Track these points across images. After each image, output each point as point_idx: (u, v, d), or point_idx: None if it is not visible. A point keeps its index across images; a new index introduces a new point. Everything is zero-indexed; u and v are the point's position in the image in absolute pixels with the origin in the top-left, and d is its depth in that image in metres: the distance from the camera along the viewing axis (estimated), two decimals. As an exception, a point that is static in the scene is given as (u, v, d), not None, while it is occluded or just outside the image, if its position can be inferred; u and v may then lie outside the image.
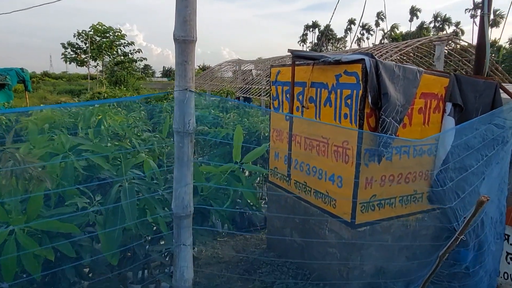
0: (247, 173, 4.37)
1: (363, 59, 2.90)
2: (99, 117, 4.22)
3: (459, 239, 2.02)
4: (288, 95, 3.89)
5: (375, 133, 2.94)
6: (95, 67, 28.61)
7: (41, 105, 23.02)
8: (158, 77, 73.32)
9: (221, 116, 6.62)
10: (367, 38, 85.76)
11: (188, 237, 1.83)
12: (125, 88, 17.97)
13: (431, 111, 3.39)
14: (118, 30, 29.30)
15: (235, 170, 2.90)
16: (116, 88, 24.05)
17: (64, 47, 29.62)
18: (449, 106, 3.41)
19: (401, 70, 3.06)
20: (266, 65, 15.43)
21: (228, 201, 2.77)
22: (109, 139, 3.42)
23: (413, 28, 76.25)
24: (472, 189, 2.81)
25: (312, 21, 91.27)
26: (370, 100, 2.91)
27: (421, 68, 3.23)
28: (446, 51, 8.39)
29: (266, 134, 5.31)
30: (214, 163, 3.11)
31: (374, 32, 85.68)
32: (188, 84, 1.66)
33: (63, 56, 30.07)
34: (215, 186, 2.78)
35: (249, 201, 2.85)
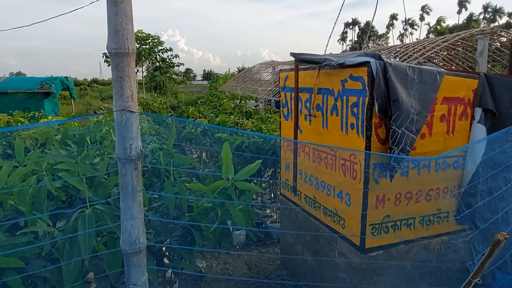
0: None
1: (369, 62, 2.54)
2: (107, 128, 4.17)
3: (473, 283, 1.63)
4: (298, 102, 3.58)
5: (381, 154, 2.56)
6: (136, 73, 29.63)
7: (87, 110, 24.22)
8: (199, 80, 75.07)
9: (240, 122, 6.41)
10: (411, 34, 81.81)
11: (140, 276, 1.61)
12: (161, 94, 18.40)
13: (456, 118, 2.93)
14: (156, 37, 30.15)
15: (227, 188, 2.65)
16: (154, 93, 24.75)
17: (106, 56, 30.98)
18: (478, 112, 2.93)
19: (416, 72, 2.65)
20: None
21: (216, 222, 2.52)
22: (105, 152, 3.32)
23: (461, 21, 71.64)
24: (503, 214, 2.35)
25: (352, 19, 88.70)
26: (377, 108, 2.54)
27: (442, 69, 2.79)
28: (495, 46, 7.57)
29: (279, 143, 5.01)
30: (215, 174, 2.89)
31: (418, 26, 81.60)
32: (126, 103, 1.44)
33: (107, 63, 31.46)
34: (210, 198, 2.55)
35: (237, 223, 2.59)
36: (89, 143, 3.69)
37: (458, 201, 3.03)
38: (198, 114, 9.45)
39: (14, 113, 6.85)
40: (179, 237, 2.54)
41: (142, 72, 30.51)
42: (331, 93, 3.04)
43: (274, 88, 14.11)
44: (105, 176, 2.68)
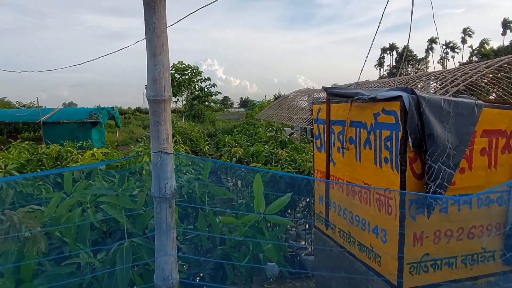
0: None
1: (401, 96, 2.53)
2: (146, 158, 4.38)
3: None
4: (331, 135, 3.59)
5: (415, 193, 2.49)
6: (176, 102, 30.95)
7: (130, 138, 25.38)
8: (236, 107, 76.86)
9: (274, 152, 6.46)
10: (452, 57, 79.41)
11: (172, 312, 1.66)
12: (199, 122, 19.02)
13: (499, 151, 2.80)
14: (195, 67, 31.53)
15: (258, 221, 2.68)
16: (192, 121, 25.59)
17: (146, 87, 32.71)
18: (523, 145, 2.78)
19: (452, 105, 2.59)
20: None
21: (247, 257, 2.54)
22: (145, 184, 3.48)
23: (507, 42, 68.65)
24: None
25: (389, 43, 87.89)
26: (411, 143, 2.50)
27: (480, 101, 2.71)
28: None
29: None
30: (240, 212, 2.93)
31: (460, 49, 79.18)
32: (162, 145, 1.54)
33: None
34: (235, 237, 2.58)
35: (269, 257, 2.58)
36: (127, 175, 3.89)
37: (505, 240, 2.84)
38: (234, 143, 9.64)
39: (65, 144, 7.35)
40: (212, 270, 2.58)
41: (182, 101, 31.79)
42: (364, 126, 3.03)
43: (310, 116, 14.15)
44: (144, 208, 2.80)
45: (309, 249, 5.35)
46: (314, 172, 4.08)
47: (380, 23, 3.36)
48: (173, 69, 31.30)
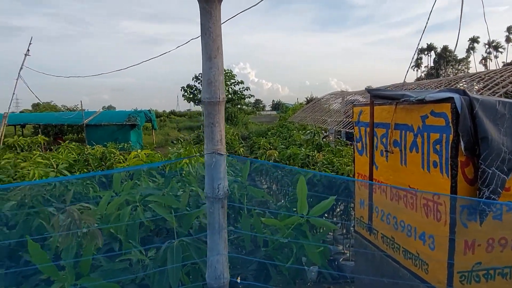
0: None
1: (452, 98, 2.43)
2: (186, 160, 4.49)
3: None
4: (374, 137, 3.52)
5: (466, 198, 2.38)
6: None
7: (166, 140, 26.07)
8: (267, 110, 77.04)
9: (311, 155, 6.41)
10: (496, 57, 75.30)
11: (223, 310, 1.69)
12: (232, 125, 19.22)
13: (560, 156, 2.62)
14: (229, 71, 31.98)
15: (302, 224, 2.67)
16: (226, 124, 25.90)
17: (184, 89, 33.59)
18: None
19: (508, 107, 2.46)
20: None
21: (291, 259, 2.53)
22: (187, 184, 3.57)
23: (559, 40, 64.23)
24: None
25: (427, 44, 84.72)
26: (463, 146, 2.39)
27: (539, 103, 2.55)
28: None
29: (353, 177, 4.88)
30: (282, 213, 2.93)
31: (504, 49, 74.94)
32: (216, 146, 1.58)
33: (184, 97, 34.04)
34: (278, 238, 2.58)
35: (313, 260, 2.56)
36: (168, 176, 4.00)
37: None
38: (269, 146, 9.66)
39: (108, 145, 7.69)
40: (255, 271, 2.59)
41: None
42: (410, 129, 2.94)
43: (345, 119, 13.91)
44: (188, 208, 2.87)
45: (347, 254, 5.25)
46: (354, 175, 4.01)
47: (427, 22, 3.26)
48: (207, 72, 31.98)
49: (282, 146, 9.36)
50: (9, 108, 10.48)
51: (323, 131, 14.34)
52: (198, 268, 2.23)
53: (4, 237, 2.79)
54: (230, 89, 32.56)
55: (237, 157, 5.05)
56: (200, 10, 1.53)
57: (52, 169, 4.53)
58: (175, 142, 24.76)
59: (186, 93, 33.49)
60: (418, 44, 3.40)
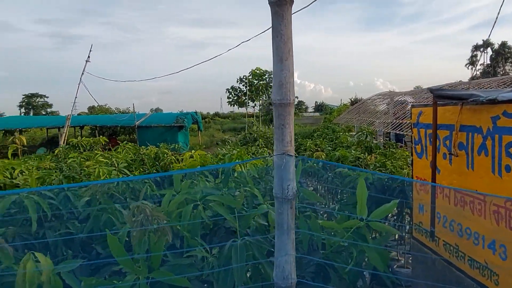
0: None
1: (530, 98, 2.26)
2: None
3: None
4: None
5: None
6: (253, 107, 31.82)
7: (211, 141, 26.68)
8: (310, 112, 76.26)
9: (361, 157, 6.25)
10: None
11: (290, 310, 1.70)
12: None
13: None
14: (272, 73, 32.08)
15: (361, 228, 2.61)
16: (269, 126, 26.00)
17: (228, 91, 34.20)
18: None
19: None
20: (422, 96, 14.01)
21: (351, 263, 2.49)
22: (241, 185, 3.63)
23: None
24: None
25: (483, 40, 79.25)
26: (543, 150, 2.22)
27: None
28: None
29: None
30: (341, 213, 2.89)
31: None
32: (286, 148, 1.59)
33: (228, 99, 34.67)
34: (339, 239, 2.55)
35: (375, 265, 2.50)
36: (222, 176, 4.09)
37: None
38: (315, 148, 9.55)
39: (161, 145, 8.03)
40: (313, 273, 2.58)
41: (259, 106, 32.54)
42: (478, 131, 2.78)
43: (394, 121, 13.40)
44: (244, 208, 2.92)
45: (402, 261, 5.05)
46: (413, 179, 3.86)
47: (498, 13, 3.05)
48: (251, 74, 32.27)
49: (329, 148, 9.22)
50: (71, 111, 11.30)
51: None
52: (258, 268, 2.26)
53: (77, 230, 3.02)
54: (273, 90, 32.68)
55: (307, 158, 5.05)
56: (272, 13, 1.56)
57: (114, 168, 4.82)
58: (220, 143, 25.33)
59: (230, 95, 34.08)
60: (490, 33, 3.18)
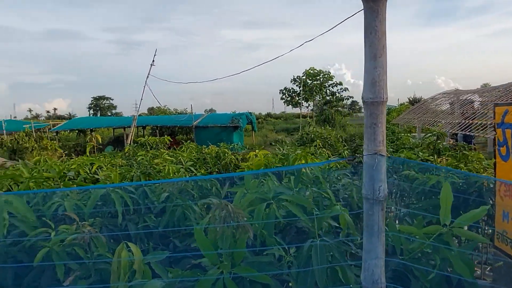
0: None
1: None
2: (301, 161, 4.55)
3: None
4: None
5: None
6: (307, 107, 31.53)
7: (264, 142, 26.90)
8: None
9: (430, 160, 5.90)
10: None
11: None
12: (330, 127, 18.88)
13: None
14: (327, 72, 31.52)
15: (444, 234, 2.46)
16: (322, 126, 25.63)
17: (282, 92, 34.20)
18: None
19: None
20: (493, 95, 12.94)
21: (434, 269, 2.35)
22: (309, 185, 3.60)
23: None
24: None
25: None
26: None
27: None
28: None
29: (491, 185, 4.33)
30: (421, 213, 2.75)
31: None
32: (377, 147, 1.54)
33: (282, 100, 34.70)
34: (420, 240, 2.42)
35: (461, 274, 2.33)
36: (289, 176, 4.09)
37: None
38: (376, 149, 9.20)
39: (221, 145, 8.26)
40: (391, 279, 2.48)
41: (313, 106, 32.16)
42: None
43: (463, 121, 12.50)
44: (315, 209, 2.89)
45: (478, 272, 4.68)
46: (496, 183, 3.56)
47: None
48: (305, 74, 31.99)
49: (391, 149, 8.83)
50: (137, 112, 12.02)
51: (422, 134, 13.15)
52: (336, 270, 2.22)
53: (154, 224, 3.19)
54: (327, 90, 32.05)
55: (403, 160, 4.94)
56: (364, 9, 1.52)
57: (181, 166, 5.03)
58: (273, 143, 25.42)
59: (284, 96, 34.06)
60: None
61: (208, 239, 1.96)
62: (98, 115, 68.89)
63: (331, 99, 31.94)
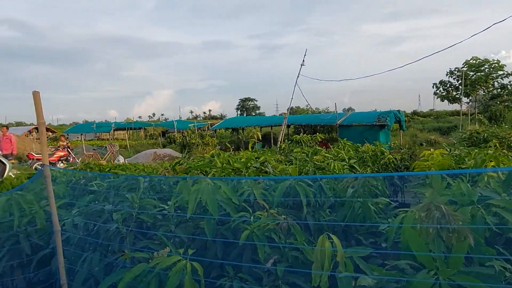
0: None
1: None
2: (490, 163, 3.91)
3: None
4: None
5: None
6: (467, 103, 27.27)
7: (413, 142, 24.64)
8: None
9: None
10: None
11: None
12: (496, 125, 15.68)
13: None
14: (495, 62, 26.61)
15: None
16: (489, 125, 21.81)
17: (436, 86, 30.51)
18: None
19: None
20: None
21: None
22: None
23: None
24: None
25: None
26: None
27: None
28: None
29: None
30: None
31: None
32: None
33: (436, 95, 30.99)
34: None
35: None
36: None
37: None
38: None
39: (377, 143, 7.89)
40: None
41: (475, 102, 27.76)
42: None
43: None
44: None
45: None
46: None
47: None
48: (465, 65, 27.86)
49: None
50: (288, 110, 12.56)
51: None
52: None
53: (328, 218, 3.21)
54: (496, 83, 27.10)
55: None
56: None
57: (345, 163, 4.98)
58: (424, 144, 22.95)
59: (438, 91, 30.38)
60: None
61: (420, 238, 1.83)
62: (245, 115, 75.38)
63: (501, 92, 26.80)
